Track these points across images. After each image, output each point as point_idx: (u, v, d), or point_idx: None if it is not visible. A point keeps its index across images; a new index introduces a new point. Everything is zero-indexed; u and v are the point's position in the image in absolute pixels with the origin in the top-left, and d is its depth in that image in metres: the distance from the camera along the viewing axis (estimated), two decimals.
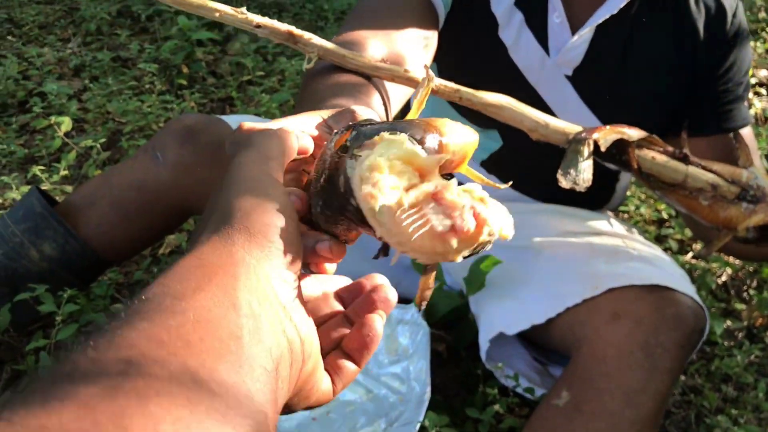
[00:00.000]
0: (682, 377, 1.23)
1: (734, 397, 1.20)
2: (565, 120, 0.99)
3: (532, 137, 0.79)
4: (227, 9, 0.72)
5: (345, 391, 1.21)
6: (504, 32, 1.08)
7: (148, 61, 2.42)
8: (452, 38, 1.09)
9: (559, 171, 0.76)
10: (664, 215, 1.63)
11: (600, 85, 1.08)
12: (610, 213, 1.27)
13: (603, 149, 0.75)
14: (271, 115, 2.03)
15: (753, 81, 2.16)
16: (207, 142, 1.13)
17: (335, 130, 0.49)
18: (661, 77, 1.09)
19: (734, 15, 1.06)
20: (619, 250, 1.06)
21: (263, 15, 2.39)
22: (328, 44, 0.73)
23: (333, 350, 0.48)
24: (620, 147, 0.78)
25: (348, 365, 0.47)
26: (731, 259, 1.49)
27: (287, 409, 0.42)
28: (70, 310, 1.14)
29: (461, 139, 0.45)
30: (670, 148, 0.81)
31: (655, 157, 0.79)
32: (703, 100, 1.09)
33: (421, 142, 0.43)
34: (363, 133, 0.44)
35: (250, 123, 0.49)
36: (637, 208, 1.61)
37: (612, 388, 0.95)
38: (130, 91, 2.20)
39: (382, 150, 0.42)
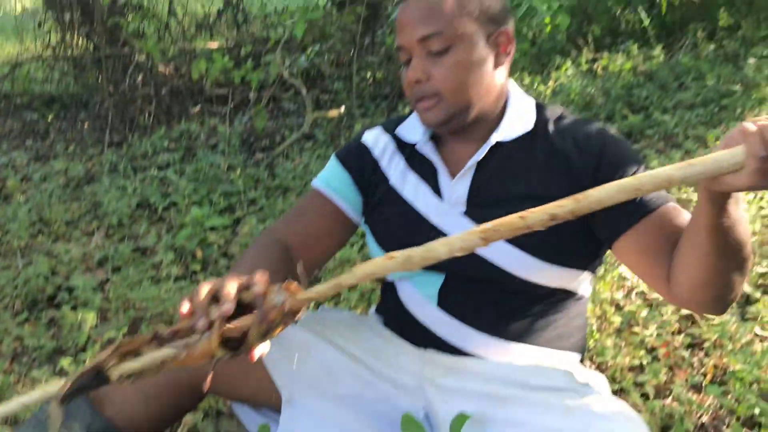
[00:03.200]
0: None
1: None
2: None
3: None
4: None
5: None
6: (404, 191, 1.31)
7: (165, 248, 2.65)
8: (376, 216, 1.34)
9: None
10: (643, 362, 1.75)
11: (493, 214, 1.19)
12: (576, 359, 1.36)
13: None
14: None
15: None
16: None
17: None
18: (547, 200, 1.21)
19: (598, 138, 1.20)
20: (576, 407, 1.17)
21: (268, 196, 2.61)
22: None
23: None
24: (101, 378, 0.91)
25: None
26: (707, 400, 1.59)
27: None
28: None
29: None
30: (148, 337, 0.92)
31: (134, 365, 0.91)
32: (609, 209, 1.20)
33: None
34: None
35: None
36: (614, 357, 1.74)
37: None
38: (149, 281, 2.41)
39: None
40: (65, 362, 1.91)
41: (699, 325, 1.84)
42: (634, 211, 1.15)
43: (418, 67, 1.19)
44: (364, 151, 1.38)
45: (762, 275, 2.04)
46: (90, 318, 2.01)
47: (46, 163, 4.08)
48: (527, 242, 1.19)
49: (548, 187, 1.21)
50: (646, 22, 4.33)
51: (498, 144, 1.25)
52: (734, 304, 1.92)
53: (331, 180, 1.37)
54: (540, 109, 1.29)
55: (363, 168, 1.36)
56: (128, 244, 2.77)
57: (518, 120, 1.26)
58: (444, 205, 1.27)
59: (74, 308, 2.32)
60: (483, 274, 1.24)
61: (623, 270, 2.12)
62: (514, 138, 1.24)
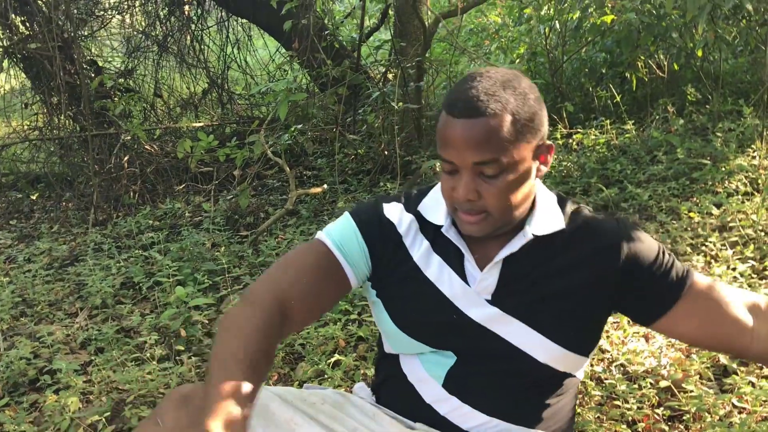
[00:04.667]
0: None
1: None
2: (498, 332, 1.24)
3: None
4: None
5: None
6: (428, 271, 1.31)
7: (149, 329, 2.66)
8: (395, 292, 1.34)
9: None
10: None
11: (520, 303, 1.27)
12: None
13: None
14: None
15: None
16: (199, 406, 1.31)
17: None
18: (574, 298, 1.26)
19: (616, 236, 1.27)
20: None
21: (252, 273, 2.64)
22: None
23: None
24: None
25: None
26: None
27: None
28: None
29: None
30: None
31: None
32: (642, 296, 1.27)
33: None
34: None
35: None
36: (596, 431, 1.77)
37: None
38: (133, 362, 2.40)
39: None
40: None
41: (678, 398, 1.86)
42: (667, 296, 1.25)
43: (470, 187, 1.17)
44: (388, 227, 1.35)
45: None
46: (73, 402, 2.00)
47: (30, 244, 4.10)
48: (551, 328, 1.26)
49: (573, 285, 1.26)
50: (618, 98, 4.49)
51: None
52: (712, 377, 1.96)
53: (345, 243, 1.33)
54: (561, 203, 1.33)
55: (385, 242, 1.34)
56: (112, 325, 2.77)
57: (548, 215, 1.29)
58: (470, 291, 1.28)
59: (56, 392, 2.31)
60: (500, 355, 1.27)
61: (602, 343, 2.16)
62: (545, 234, 1.27)
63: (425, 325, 1.31)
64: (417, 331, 1.31)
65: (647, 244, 1.28)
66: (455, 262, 1.30)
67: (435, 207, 1.33)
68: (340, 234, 1.34)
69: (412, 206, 1.36)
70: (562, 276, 1.27)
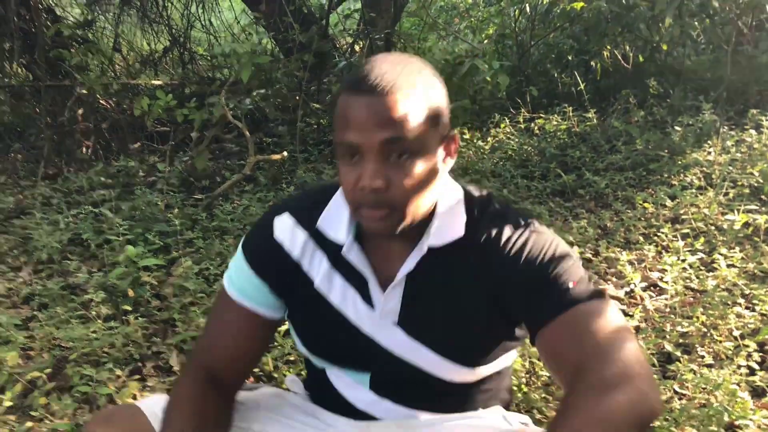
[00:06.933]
0: None
1: None
2: (405, 357, 1.19)
3: None
4: None
5: None
6: (330, 296, 1.22)
7: (96, 287, 2.59)
8: (301, 318, 1.28)
9: None
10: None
11: (423, 327, 1.19)
12: (502, 411, 1.38)
13: None
14: None
15: (643, 284, 2.44)
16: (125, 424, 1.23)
17: None
18: (474, 318, 1.17)
19: (521, 250, 1.13)
20: None
21: (206, 237, 2.60)
22: None
23: None
24: None
25: None
26: None
27: None
28: None
29: None
30: None
31: None
32: (528, 303, 1.13)
33: None
34: None
35: None
36: (541, 410, 1.79)
37: None
38: (77, 320, 2.34)
39: None
40: None
41: None
42: (557, 302, 1.10)
43: (379, 173, 1.05)
44: (281, 254, 1.25)
45: (683, 335, 2.13)
46: (11, 357, 1.94)
47: None
48: (456, 352, 1.20)
49: (475, 304, 1.18)
50: (582, 86, 4.52)
51: (429, 250, 1.17)
52: (656, 363, 2.00)
53: (246, 288, 1.25)
54: (470, 203, 1.22)
55: (281, 272, 1.25)
56: (57, 281, 2.69)
57: (449, 220, 1.19)
58: (375, 315, 1.21)
59: None
60: (411, 377, 1.22)
61: None
62: (444, 244, 1.17)
63: (335, 349, 1.26)
64: (328, 355, 1.27)
65: (549, 261, 1.14)
66: (358, 283, 1.22)
67: (336, 220, 1.22)
68: (238, 278, 1.26)
69: (305, 220, 1.24)
70: (459, 294, 1.18)
